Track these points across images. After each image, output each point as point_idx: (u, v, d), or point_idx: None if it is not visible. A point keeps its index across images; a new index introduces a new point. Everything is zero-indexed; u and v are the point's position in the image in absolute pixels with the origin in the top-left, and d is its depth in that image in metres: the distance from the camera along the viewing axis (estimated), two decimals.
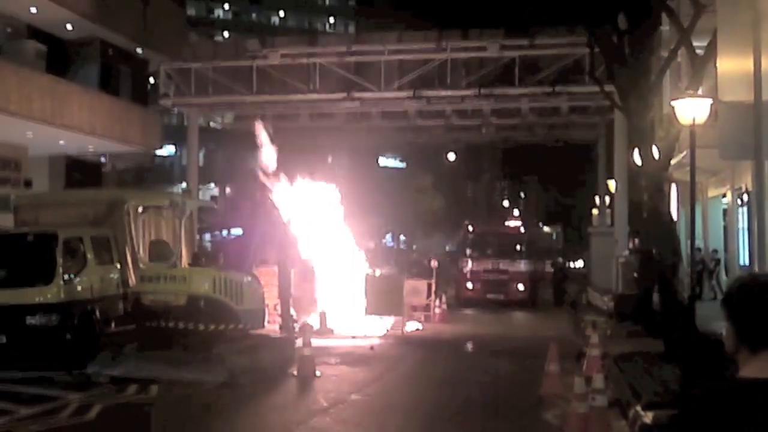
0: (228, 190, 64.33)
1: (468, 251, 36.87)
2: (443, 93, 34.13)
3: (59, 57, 29.40)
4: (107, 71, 31.19)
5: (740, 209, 25.01)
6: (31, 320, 16.63)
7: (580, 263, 43.71)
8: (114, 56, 31.48)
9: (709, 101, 15.39)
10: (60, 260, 17.24)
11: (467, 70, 33.75)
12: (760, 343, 2.86)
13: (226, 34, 77.54)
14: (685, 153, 18.21)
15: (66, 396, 14.31)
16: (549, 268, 41.43)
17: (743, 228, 24.79)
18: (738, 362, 2.93)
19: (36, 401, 13.81)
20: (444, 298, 29.74)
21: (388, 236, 50.01)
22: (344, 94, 33.89)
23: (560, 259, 40.89)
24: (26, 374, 15.72)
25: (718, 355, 3.27)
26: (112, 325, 18.13)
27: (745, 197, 23.73)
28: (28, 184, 27.18)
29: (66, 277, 17.24)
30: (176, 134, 50.13)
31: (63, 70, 29.24)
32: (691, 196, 17.22)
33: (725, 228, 28.31)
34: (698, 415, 2.78)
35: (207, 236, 31.13)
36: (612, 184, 36.77)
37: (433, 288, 27.58)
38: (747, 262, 23.35)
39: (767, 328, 2.86)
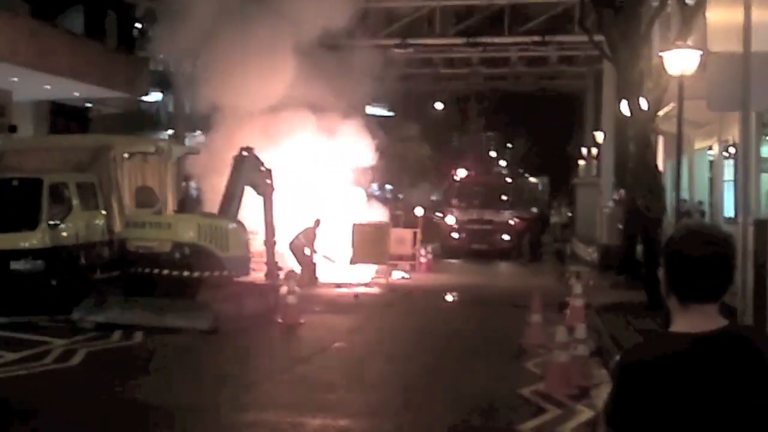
0: None
1: (453, 201, 36.85)
2: (431, 41, 33.90)
3: (44, 0, 28.96)
4: (93, 15, 30.79)
5: (726, 161, 25.01)
6: (15, 265, 16.61)
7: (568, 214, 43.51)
8: (100, 0, 31.06)
9: (698, 53, 15.31)
10: (45, 206, 17.18)
11: (456, 19, 33.50)
12: (687, 297, 2.77)
13: None
14: (672, 104, 18.15)
15: (50, 341, 14.35)
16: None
17: (729, 180, 24.81)
18: (670, 309, 2.84)
19: (20, 346, 13.84)
20: (429, 248, 29.79)
21: (374, 185, 49.92)
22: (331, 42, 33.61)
23: (535, 210, 39.52)
24: (10, 319, 15.71)
25: None
26: (97, 271, 18.12)
27: (732, 149, 23.73)
28: (12, 129, 26.91)
29: (51, 222, 17.17)
30: (163, 80, 49.62)
31: (48, 14, 28.82)
32: (677, 148, 17.21)
33: (711, 180, 28.33)
34: (637, 384, 2.69)
35: (193, 183, 31.01)
36: (599, 135, 36.72)
37: (419, 237, 27.62)
38: (732, 214, 23.41)
39: (691, 281, 2.76)
